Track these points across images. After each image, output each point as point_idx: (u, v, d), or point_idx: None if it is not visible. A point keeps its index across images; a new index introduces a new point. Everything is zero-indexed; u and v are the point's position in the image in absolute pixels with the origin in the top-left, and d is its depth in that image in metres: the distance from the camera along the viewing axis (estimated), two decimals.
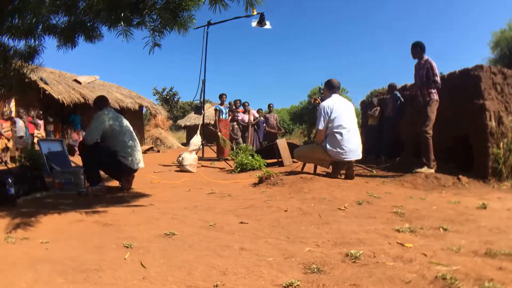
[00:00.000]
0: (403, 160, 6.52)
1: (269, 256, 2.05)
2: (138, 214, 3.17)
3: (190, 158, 6.82)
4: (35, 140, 9.36)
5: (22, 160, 5.33)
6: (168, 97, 39.87)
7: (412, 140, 6.98)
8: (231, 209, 3.30)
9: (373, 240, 2.26)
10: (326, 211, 3.03)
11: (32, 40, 4.12)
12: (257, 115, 11.53)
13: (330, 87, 5.12)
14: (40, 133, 9.96)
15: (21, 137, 9.59)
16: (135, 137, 4.79)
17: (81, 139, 12.04)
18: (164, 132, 20.19)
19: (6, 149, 9.24)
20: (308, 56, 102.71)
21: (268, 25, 7.18)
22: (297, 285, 1.64)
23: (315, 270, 1.81)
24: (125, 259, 2.03)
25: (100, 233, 2.56)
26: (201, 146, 7.96)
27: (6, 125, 9.26)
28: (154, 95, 39.88)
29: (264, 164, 6.55)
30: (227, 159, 7.94)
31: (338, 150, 4.72)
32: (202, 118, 8.54)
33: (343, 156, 4.76)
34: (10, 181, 3.51)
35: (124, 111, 14.86)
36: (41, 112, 10.52)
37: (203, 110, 8.35)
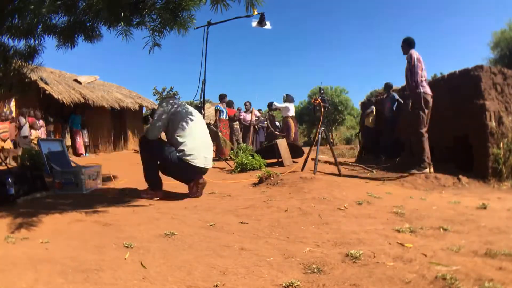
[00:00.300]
0: (402, 160, 6.52)
1: (269, 256, 2.05)
2: (138, 214, 3.16)
3: None
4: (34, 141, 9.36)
5: (22, 160, 5.33)
6: (168, 97, 39.85)
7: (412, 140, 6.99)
8: (231, 209, 3.29)
9: (373, 240, 2.26)
10: (326, 211, 3.03)
11: (32, 40, 4.12)
12: (258, 115, 11.53)
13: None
14: (36, 134, 9.90)
15: (25, 137, 9.59)
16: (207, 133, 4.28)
17: (79, 139, 12.13)
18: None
19: (2, 150, 9.22)
20: (308, 56, 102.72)
21: (268, 25, 7.17)
22: (297, 285, 1.64)
23: (315, 270, 1.81)
24: (125, 259, 2.03)
25: (100, 233, 2.56)
26: None
27: (4, 126, 9.24)
28: (154, 95, 39.80)
29: (264, 164, 6.54)
30: (227, 159, 7.94)
31: None
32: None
33: None
34: (10, 181, 3.51)
35: (124, 111, 14.89)
36: (41, 112, 10.52)
37: (203, 110, 8.34)
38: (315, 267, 1.84)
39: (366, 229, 2.52)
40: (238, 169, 6.47)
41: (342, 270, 1.80)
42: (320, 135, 5.54)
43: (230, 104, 10.41)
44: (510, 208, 3.20)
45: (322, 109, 5.44)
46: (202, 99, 8.13)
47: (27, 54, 4.36)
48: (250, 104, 11.33)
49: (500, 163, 5.06)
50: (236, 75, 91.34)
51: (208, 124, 8.68)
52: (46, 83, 11.36)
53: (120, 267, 1.91)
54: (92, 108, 12.86)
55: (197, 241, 2.37)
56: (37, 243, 2.30)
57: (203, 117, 8.48)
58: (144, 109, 17.83)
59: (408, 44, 5.33)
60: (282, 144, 7.12)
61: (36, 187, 4.18)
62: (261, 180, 4.63)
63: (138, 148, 13.10)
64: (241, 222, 2.82)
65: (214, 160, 8.51)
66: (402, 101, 7.66)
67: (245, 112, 11.32)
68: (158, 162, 4.03)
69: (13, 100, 10.07)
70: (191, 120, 3.98)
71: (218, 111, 9.55)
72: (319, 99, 5.43)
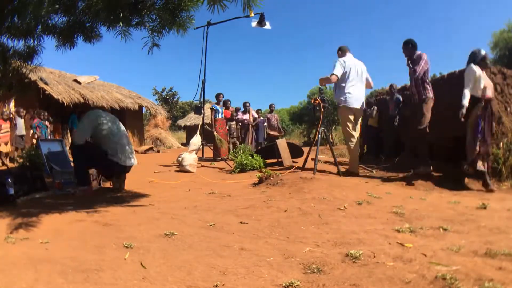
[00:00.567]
0: (403, 160, 6.52)
1: (269, 256, 2.05)
2: (138, 214, 3.16)
3: (190, 158, 6.82)
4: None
5: (22, 160, 5.33)
6: (167, 97, 39.88)
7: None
8: (231, 209, 3.29)
9: (373, 240, 2.26)
10: (326, 211, 3.03)
11: (31, 40, 4.12)
12: (255, 115, 11.52)
13: (342, 51, 5.69)
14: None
15: (21, 136, 9.59)
16: (125, 133, 4.76)
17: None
18: (164, 132, 20.19)
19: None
20: (308, 56, 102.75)
21: (268, 26, 7.18)
22: (297, 285, 1.64)
23: (315, 270, 1.81)
24: (125, 259, 2.03)
25: (100, 233, 2.56)
26: (200, 146, 7.95)
27: (6, 126, 9.26)
28: (153, 95, 39.93)
29: (264, 164, 6.54)
30: (225, 159, 7.94)
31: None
32: (202, 118, 8.54)
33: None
34: (10, 181, 3.51)
35: (124, 111, 14.89)
36: (46, 113, 10.51)
37: (203, 110, 8.36)
38: (315, 267, 1.84)
39: (366, 229, 2.52)
40: (238, 169, 6.47)
41: (342, 270, 1.80)
42: (320, 135, 5.54)
43: (226, 104, 10.40)
44: (510, 208, 3.20)
45: (322, 109, 5.44)
46: (202, 99, 8.15)
47: (26, 54, 4.36)
48: (249, 104, 11.33)
49: (500, 163, 5.06)
50: (236, 74, 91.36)
51: (203, 125, 8.70)
52: (45, 83, 11.37)
53: (120, 267, 1.91)
54: (92, 108, 12.85)
55: (197, 241, 2.37)
56: (37, 243, 2.30)
57: (203, 116, 8.52)
58: (144, 109, 17.83)
59: (414, 46, 5.23)
60: (282, 144, 7.12)
61: (36, 187, 4.18)
62: (261, 180, 4.63)
63: (138, 149, 13.08)
64: (241, 222, 2.82)
65: (214, 160, 8.58)
66: (403, 101, 7.65)
67: (243, 112, 11.32)
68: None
69: (13, 100, 10.06)
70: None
71: (213, 110, 9.53)
72: (318, 99, 5.42)
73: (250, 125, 11.08)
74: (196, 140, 7.47)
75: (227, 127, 10.19)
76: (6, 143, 9.25)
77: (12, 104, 10.04)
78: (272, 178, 4.54)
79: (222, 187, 4.77)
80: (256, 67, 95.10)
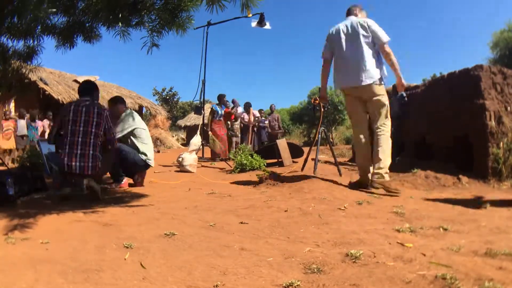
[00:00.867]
0: (403, 160, 6.52)
1: (269, 256, 2.05)
2: (138, 214, 3.16)
3: (190, 158, 6.82)
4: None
5: (22, 160, 5.34)
6: (168, 97, 39.90)
7: (412, 140, 6.99)
8: (231, 209, 3.29)
9: (373, 240, 2.26)
10: (326, 211, 3.03)
11: (31, 41, 4.12)
12: (258, 115, 11.52)
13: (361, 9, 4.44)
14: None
15: (22, 136, 9.62)
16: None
17: None
18: (164, 132, 20.20)
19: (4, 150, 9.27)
20: (308, 56, 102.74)
21: (267, 26, 7.18)
22: (297, 285, 1.64)
23: (315, 270, 1.80)
24: (125, 259, 2.03)
25: (100, 233, 2.56)
26: (201, 147, 7.95)
27: (8, 124, 9.32)
28: (154, 95, 39.96)
29: (264, 164, 6.54)
30: (225, 159, 7.94)
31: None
32: (202, 119, 8.54)
33: None
34: (10, 181, 3.51)
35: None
36: (50, 113, 10.53)
37: (203, 111, 8.36)
38: (315, 267, 1.84)
39: (366, 229, 2.52)
40: (238, 169, 6.47)
41: (342, 270, 1.80)
42: (320, 135, 5.54)
43: (223, 101, 10.41)
44: (510, 208, 3.20)
45: (322, 109, 5.44)
46: (202, 99, 8.16)
47: (26, 54, 4.36)
48: (250, 104, 11.33)
49: (500, 163, 5.06)
50: (236, 74, 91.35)
51: (204, 125, 8.70)
52: (45, 83, 11.37)
53: (120, 267, 1.91)
54: None
55: (197, 241, 2.37)
56: (37, 243, 2.30)
57: (203, 117, 8.52)
58: (144, 109, 17.84)
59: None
60: (282, 144, 7.12)
61: (36, 188, 4.18)
62: (261, 180, 4.63)
63: None
64: (241, 222, 2.82)
65: (214, 160, 8.57)
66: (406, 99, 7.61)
67: (244, 112, 11.33)
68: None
69: (13, 100, 10.07)
70: None
71: (213, 110, 9.50)
72: (318, 99, 5.43)
73: (251, 126, 11.08)
74: (196, 140, 7.47)
75: (230, 126, 10.16)
76: (8, 139, 9.30)
77: (12, 105, 10.05)
78: (272, 178, 4.54)
79: (222, 187, 4.77)
80: (256, 67, 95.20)
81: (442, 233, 2.41)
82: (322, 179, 4.41)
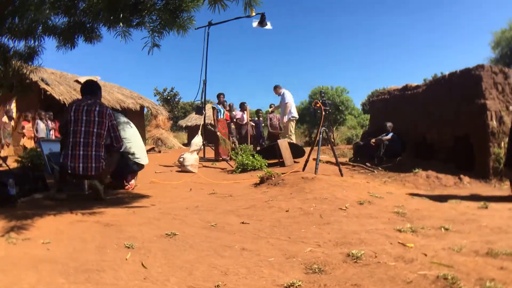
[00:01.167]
0: (404, 160, 6.52)
1: (270, 256, 2.05)
2: (139, 215, 3.16)
3: (191, 159, 6.82)
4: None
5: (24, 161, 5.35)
6: (169, 97, 39.88)
7: (413, 140, 6.98)
8: (232, 209, 3.29)
9: (374, 240, 2.25)
10: (327, 211, 3.03)
11: (32, 41, 4.12)
12: (239, 116, 11.55)
13: None
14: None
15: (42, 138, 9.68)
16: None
17: None
18: (165, 133, 20.19)
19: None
20: (309, 56, 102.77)
21: (269, 26, 7.17)
22: (298, 285, 1.64)
23: (317, 270, 1.80)
24: (126, 259, 2.04)
25: (101, 234, 2.56)
26: (202, 147, 7.95)
27: (29, 125, 9.48)
28: (155, 95, 39.91)
29: (265, 164, 6.54)
30: (227, 160, 7.94)
31: None
32: (203, 119, 8.54)
33: None
34: (12, 181, 3.51)
35: (125, 112, 14.89)
36: (51, 113, 10.57)
37: (204, 111, 8.36)
38: (316, 267, 1.84)
39: (368, 229, 2.52)
40: (239, 169, 6.47)
41: (344, 270, 1.80)
42: (321, 135, 5.54)
43: (225, 105, 10.43)
44: (511, 207, 3.19)
45: (323, 112, 5.44)
46: (203, 99, 8.16)
47: (27, 55, 4.36)
48: (246, 104, 11.36)
49: (501, 163, 5.06)
50: (236, 74, 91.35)
51: (205, 125, 8.70)
52: (47, 84, 11.38)
53: (121, 267, 1.91)
54: None
55: (198, 242, 2.37)
56: (38, 244, 2.30)
57: (204, 117, 8.52)
58: (145, 110, 17.85)
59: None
60: (283, 144, 7.12)
61: (38, 188, 4.18)
62: (262, 181, 4.62)
63: None
64: (243, 222, 2.82)
65: (215, 160, 8.57)
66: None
67: (241, 112, 11.34)
68: None
69: (14, 101, 10.08)
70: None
71: (215, 110, 9.51)
72: (320, 103, 5.43)
73: (250, 125, 11.07)
74: (198, 140, 7.47)
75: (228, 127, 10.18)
76: (30, 138, 9.44)
77: (13, 105, 10.07)
78: (273, 178, 4.54)
79: (224, 187, 4.77)
80: (256, 67, 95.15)
81: (443, 233, 2.41)
82: (323, 179, 4.41)
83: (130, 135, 4.67)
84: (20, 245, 2.29)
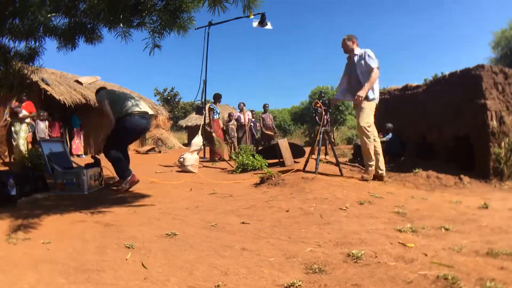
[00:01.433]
0: (404, 160, 6.52)
1: (270, 256, 2.05)
2: (139, 215, 3.17)
3: (191, 159, 6.82)
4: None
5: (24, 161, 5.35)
6: (169, 97, 39.89)
7: (413, 140, 6.98)
8: (232, 209, 3.30)
9: (374, 240, 2.25)
10: (327, 211, 3.03)
11: (33, 42, 4.12)
12: (250, 116, 11.57)
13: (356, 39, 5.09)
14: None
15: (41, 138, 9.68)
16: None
17: (78, 140, 12.12)
18: (165, 133, 20.20)
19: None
20: (309, 56, 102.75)
21: (269, 26, 7.16)
22: (298, 285, 1.64)
23: (317, 270, 1.80)
24: (126, 259, 2.04)
25: (102, 234, 2.57)
26: (202, 147, 7.95)
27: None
28: (155, 95, 39.92)
29: (266, 164, 6.54)
30: (227, 160, 7.94)
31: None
32: (203, 119, 8.54)
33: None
34: (12, 182, 3.52)
35: None
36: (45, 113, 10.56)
37: (204, 111, 8.35)
38: (316, 267, 1.84)
39: (368, 229, 2.52)
40: (240, 169, 6.47)
41: (344, 270, 1.80)
42: (321, 135, 5.54)
43: (240, 108, 10.50)
44: (511, 207, 3.19)
45: (323, 113, 5.44)
46: (203, 99, 8.16)
47: (27, 55, 4.36)
48: (244, 104, 11.37)
49: (501, 163, 5.06)
50: (236, 74, 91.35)
51: (205, 125, 8.70)
52: (47, 84, 11.38)
53: (121, 267, 1.91)
54: (93, 109, 12.87)
55: (199, 242, 2.37)
56: (38, 244, 2.31)
57: (205, 117, 8.52)
58: None
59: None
60: (283, 144, 7.12)
61: (38, 188, 4.19)
62: (262, 181, 4.62)
63: (139, 149, 13.09)
64: (243, 223, 2.82)
65: (214, 160, 8.57)
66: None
67: (239, 112, 11.35)
68: None
69: (14, 101, 10.08)
70: None
71: (212, 110, 9.50)
72: (319, 103, 5.43)
73: (247, 126, 11.08)
74: (198, 140, 7.47)
75: (226, 127, 10.20)
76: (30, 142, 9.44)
77: (13, 105, 10.06)
78: (273, 178, 4.54)
79: (224, 187, 4.77)
80: (257, 67, 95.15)
81: (443, 233, 2.41)
82: (324, 179, 4.41)
83: None
84: (20, 245, 2.30)
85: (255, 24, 7.16)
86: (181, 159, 6.89)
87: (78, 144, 12.15)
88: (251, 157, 6.61)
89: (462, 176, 5.00)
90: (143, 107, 4.71)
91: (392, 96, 8.22)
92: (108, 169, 4.88)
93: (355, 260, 1.90)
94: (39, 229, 2.65)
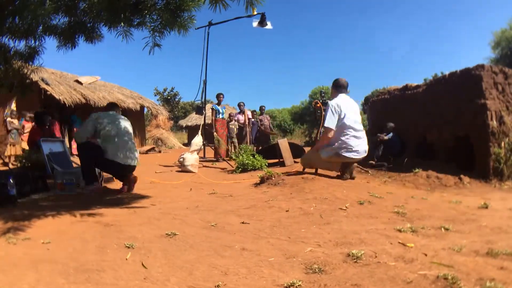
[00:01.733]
0: (404, 161, 6.51)
1: (270, 256, 2.05)
2: (139, 215, 3.17)
3: (191, 159, 6.82)
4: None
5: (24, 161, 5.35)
6: (169, 97, 39.89)
7: (413, 140, 6.98)
8: (232, 209, 3.30)
9: (374, 240, 2.25)
10: (327, 211, 3.03)
11: (33, 41, 4.13)
12: (250, 116, 11.59)
13: (337, 87, 4.90)
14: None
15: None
16: (127, 133, 4.71)
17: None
18: (165, 133, 20.21)
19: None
20: (309, 56, 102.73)
21: (269, 25, 7.16)
22: (298, 285, 1.64)
23: (317, 270, 1.80)
24: (126, 259, 2.04)
25: (101, 234, 2.57)
26: (202, 147, 7.96)
27: (29, 125, 9.46)
28: (155, 95, 39.94)
29: (266, 164, 6.54)
30: (227, 160, 7.94)
31: (352, 150, 4.50)
32: (203, 119, 8.55)
33: (356, 157, 4.54)
34: (12, 182, 3.52)
35: (125, 112, 14.91)
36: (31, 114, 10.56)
37: (205, 111, 8.36)
38: (316, 267, 1.84)
39: (368, 229, 2.52)
40: (240, 169, 6.48)
41: (344, 270, 1.80)
42: (321, 135, 5.54)
43: (240, 108, 10.48)
44: (511, 207, 3.19)
45: (323, 112, 5.45)
46: (203, 99, 8.16)
47: (27, 55, 4.36)
48: (243, 104, 11.38)
49: (501, 163, 5.05)
50: (236, 74, 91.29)
51: (205, 125, 8.71)
52: (47, 83, 11.37)
53: (121, 267, 1.91)
54: (93, 109, 12.87)
55: (199, 241, 2.37)
56: (38, 244, 2.31)
57: (205, 117, 8.53)
58: (146, 110, 17.85)
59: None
60: (283, 144, 7.12)
61: (38, 188, 4.19)
62: (262, 180, 4.62)
63: (139, 149, 13.10)
64: (243, 222, 2.82)
65: (217, 161, 8.58)
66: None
67: (238, 112, 11.37)
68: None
69: (14, 101, 10.08)
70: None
71: (214, 110, 9.54)
72: (320, 103, 5.44)
73: (248, 126, 11.10)
74: (198, 140, 7.48)
75: (227, 127, 10.20)
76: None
77: (13, 105, 10.07)
78: (273, 178, 4.54)
79: (224, 187, 4.77)
80: (257, 66, 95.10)
81: (443, 233, 2.41)
82: (323, 179, 4.40)
83: (112, 135, 4.47)
84: (20, 245, 2.29)
85: (255, 24, 7.17)
86: (181, 159, 6.89)
87: None
88: (251, 157, 6.61)
89: (462, 176, 5.00)
90: (129, 160, 4.54)
91: (392, 96, 8.21)
92: None
93: (355, 260, 1.90)
94: (39, 229, 2.65)
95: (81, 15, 3.69)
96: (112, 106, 4.84)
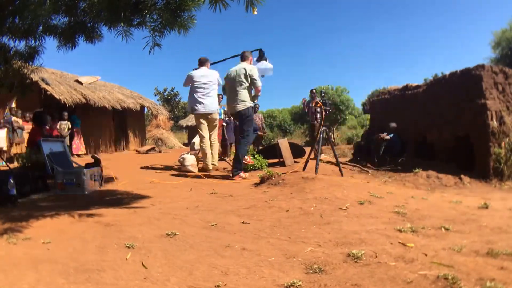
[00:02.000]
0: (404, 161, 6.52)
1: (270, 256, 2.05)
2: (139, 215, 3.17)
3: (191, 159, 6.82)
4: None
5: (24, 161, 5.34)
6: (169, 97, 39.89)
7: (413, 140, 6.98)
8: (232, 209, 3.29)
9: (374, 240, 2.25)
10: (327, 211, 3.02)
11: (33, 41, 4.12)
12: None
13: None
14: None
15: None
16: None
17: (78, 140, 12.11)
18: (165, 133, 20.22)
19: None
20: (309, 56, 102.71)
21: (268, 63, 6.83)
22: (298, 285, 1.64)
23: (317, 270, 1.80)
24: (126, 259, 2.04)
25: (102, 234, 2.57)
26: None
27: (28, 126, 9.48)
28: (155, 95, 39.94)
29: (266, 164, 6.54)
30: (224, 159, 7.94)
31: None
32: None
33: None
34: (12, 181, 3.51)
35: (125, 112, 14.91)
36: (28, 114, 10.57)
37: None
38: (316, 267, 1.83)
39: (368, 229, 2.51)
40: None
41: (344, 270, 1.80)
42: (321, 135, 5.54)
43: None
44: (511, 207, 3.19)
45: (324, 112, 5.45)
46: None
47: (27, 55, 4.35)
48: None
49: (501, 163, 5.05)
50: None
51: None
52: (47, 83, 11.37)
53: (121, 267, 1.91)
54: (93, 109, 12.87)
55: (199, 241, 2.37)
56: (38, 244, 2.31)
57: None
58: (146, 110, 17.85)
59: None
60: (283, 144, 7.12)
61: (38, 188, 4.19)
62: (262, 180, 4.62)
63: (139, 149, 13.06)
64: (243, 222, 2.82)
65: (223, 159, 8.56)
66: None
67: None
68: None
69: (14, 101, 10.08)
70: None
71: None
72: (320, 103, 5.44)
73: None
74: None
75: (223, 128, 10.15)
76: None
77: (14, 105, 10.07)
78: (273, 178, 4.54)
79: (224, 187, 4.76)
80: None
81: (443, 233, 2.41)
82: (324, 179, 4.40)
83: None
84: (20, 245, 2.29)
85: (254, 59, 6.94)
86: (181, 159, 6.89)
87: (78, 144, 12.14)
88: (251, 157, 6.61)
89: (462, 176, 5.00)
90: None
91: (392, 96, 8.21)
92: (108, 169, 4.88)
93: (355, 260, 1.90)
94: (39, 229, 2.64)
95: (81, 15, 3.69)
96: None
